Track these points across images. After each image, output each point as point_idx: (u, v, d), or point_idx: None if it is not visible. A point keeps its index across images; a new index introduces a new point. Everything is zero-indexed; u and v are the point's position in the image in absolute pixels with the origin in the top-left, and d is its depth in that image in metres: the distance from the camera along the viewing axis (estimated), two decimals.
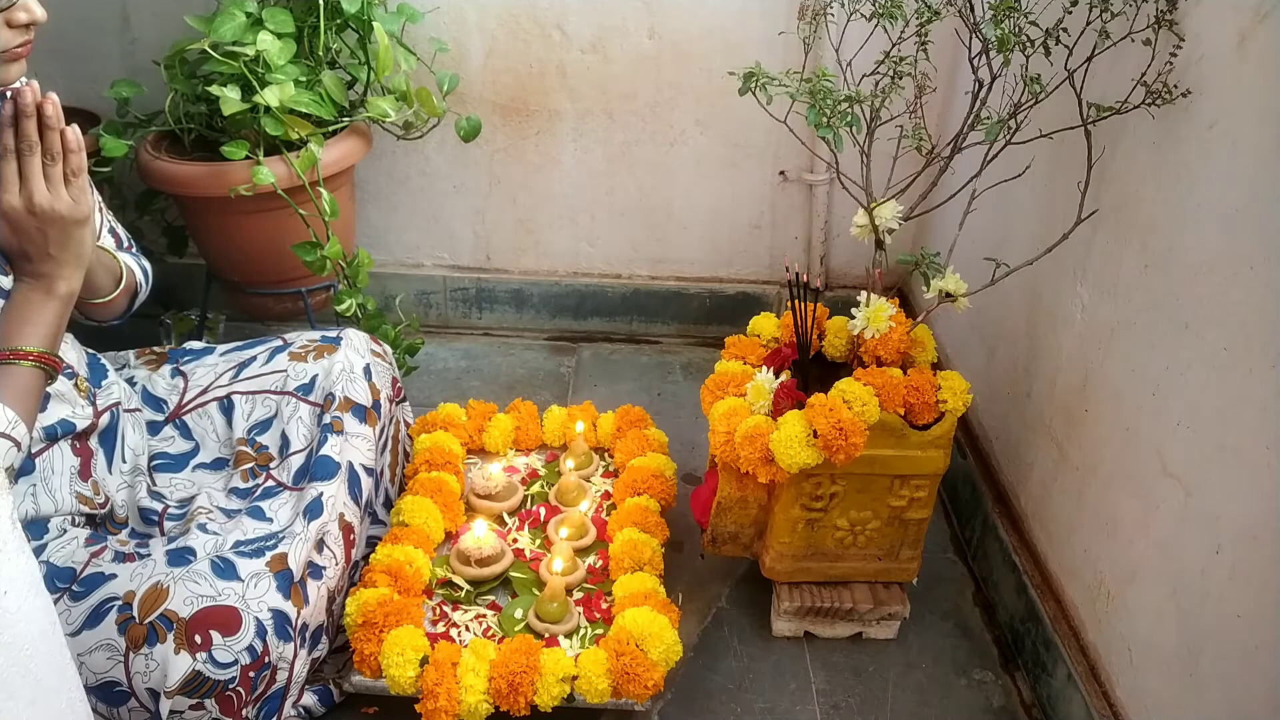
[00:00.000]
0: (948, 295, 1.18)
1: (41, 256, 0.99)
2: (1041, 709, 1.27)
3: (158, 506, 1.19)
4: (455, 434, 1.53)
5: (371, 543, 1.34)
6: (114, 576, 1.05)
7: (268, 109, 1.43)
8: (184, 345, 1.38)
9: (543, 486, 1.51)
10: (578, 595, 1.30)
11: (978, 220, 1.23)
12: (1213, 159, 0.96)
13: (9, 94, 0.95)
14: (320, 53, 1.52)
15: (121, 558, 1.10)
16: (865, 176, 1.22)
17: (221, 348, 1.37)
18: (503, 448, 1.55)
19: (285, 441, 1.27)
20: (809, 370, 1.30)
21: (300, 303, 1.67)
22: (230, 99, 1.40)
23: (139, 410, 1.28)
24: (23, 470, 1.09)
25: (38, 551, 1.07)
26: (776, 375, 1.24)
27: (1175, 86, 0.99)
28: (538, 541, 1.40)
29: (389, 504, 1.40)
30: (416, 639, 1.15)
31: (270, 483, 1.24)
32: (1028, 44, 1.06)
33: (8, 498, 0.73)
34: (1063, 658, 1.21)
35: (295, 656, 1.09)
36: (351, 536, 1.22)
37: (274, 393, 1.30)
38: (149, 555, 1.09)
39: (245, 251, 1.61)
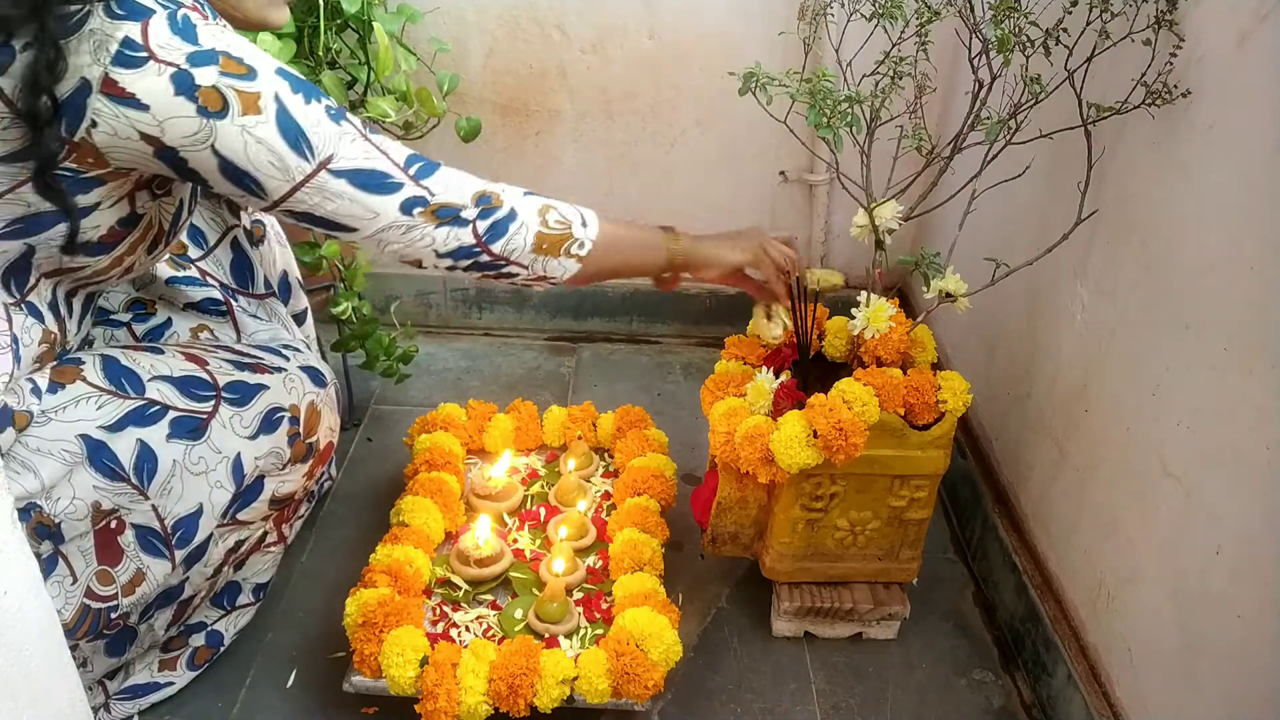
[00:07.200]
0: (948, 295, 1.18)
1: (717, 258, 1.25)
2: (1041, 709, 1.27)
3: None
4: (455, 434, 1.52)
5: None
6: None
7: None
8: None
9: (543, 486, 1.51)
10: (578, 595, 1.30)
11: (978, 220, 1.23)
12: (1213, 159, 0.96)
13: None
14: (320, 53, 1.52)
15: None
16: (865, 177, 1.22)
17: None
18: (502, 448, 1.55)
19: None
20: (809, 370, 1.30)
21: None
22: None
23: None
24: None
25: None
26: (776, 375, 1.24)
27: (1175, 86, 0.99)
28: (538, 541, 1.40)
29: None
30: (416, 639, 1.15)
31: None
32: (1028, 44, 1.06)
33: (8, 497, 0.73)
34: (1063, 658, 1.21)
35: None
36: None
37: None
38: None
39: None
